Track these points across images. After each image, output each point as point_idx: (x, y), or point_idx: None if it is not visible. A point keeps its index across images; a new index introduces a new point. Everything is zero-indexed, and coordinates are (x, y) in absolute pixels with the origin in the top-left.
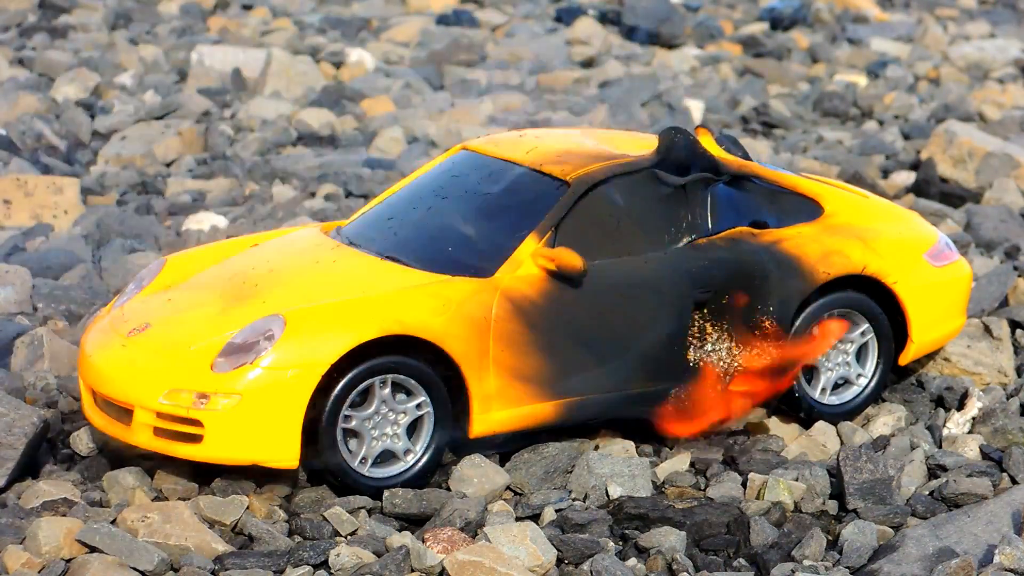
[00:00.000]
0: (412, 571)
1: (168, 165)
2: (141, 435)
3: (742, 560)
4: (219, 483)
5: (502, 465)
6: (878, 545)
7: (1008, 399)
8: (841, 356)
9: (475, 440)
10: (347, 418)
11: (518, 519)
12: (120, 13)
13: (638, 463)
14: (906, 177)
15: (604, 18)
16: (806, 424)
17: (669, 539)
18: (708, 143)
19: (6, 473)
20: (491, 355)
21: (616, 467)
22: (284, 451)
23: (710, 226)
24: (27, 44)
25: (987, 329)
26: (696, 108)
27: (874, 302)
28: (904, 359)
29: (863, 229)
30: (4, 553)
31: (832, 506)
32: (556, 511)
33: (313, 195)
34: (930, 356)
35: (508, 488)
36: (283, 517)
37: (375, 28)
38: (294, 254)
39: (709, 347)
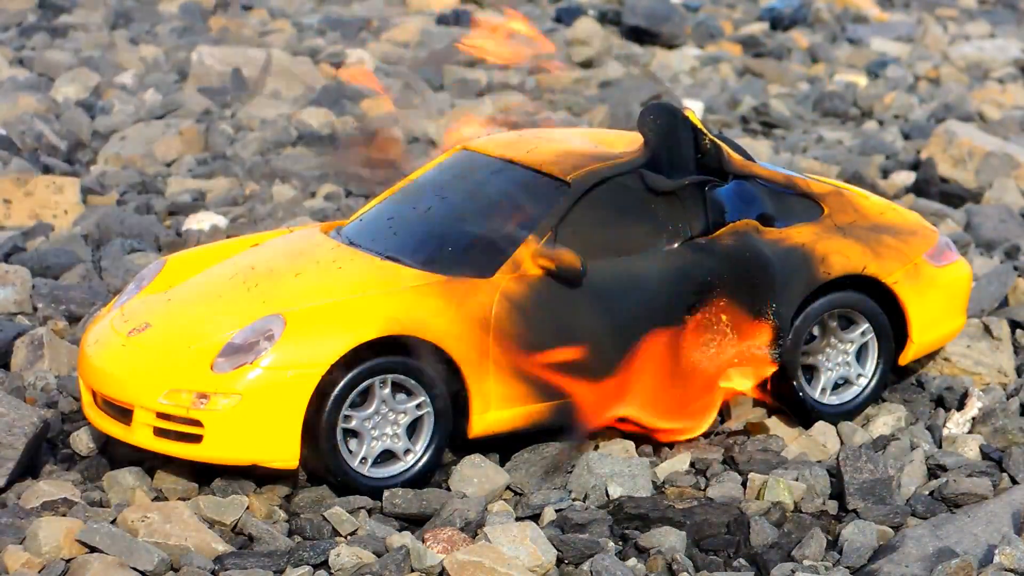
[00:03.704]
0: (412, 571)
1: (168, 165)
2: (141, 435)
3: (742, 560)
4: (219, 483)
5: (502, 465)
6: (878, 545)
7: (1008, 399)
8: (841, 356)
9: (474, 440)
10: (347, 418)
11: (518, 519)
12: (120, 13)
13: (638, 463)
14: (906, 177)
15: (604, 18)
16: (806, 424)
17: (669, 539)
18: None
19: (6, 473)
20: (491, 355)
21: (616, 467)
22: (284, 451)
23: (710, 225)
24: (27, 44)
25: (987, 329)
26: (696, 108)
27: (874, 302)
28: (904, 359)
29: (863, 229)
30: (4, 553)
31: (832, 506)
32: (556, 511)
33: (313, 195)
34: (930, 356)
35: (508, 488)
36: (283, 517)
37: (375, 28)
38: (294, 254)
39: (707, 347)
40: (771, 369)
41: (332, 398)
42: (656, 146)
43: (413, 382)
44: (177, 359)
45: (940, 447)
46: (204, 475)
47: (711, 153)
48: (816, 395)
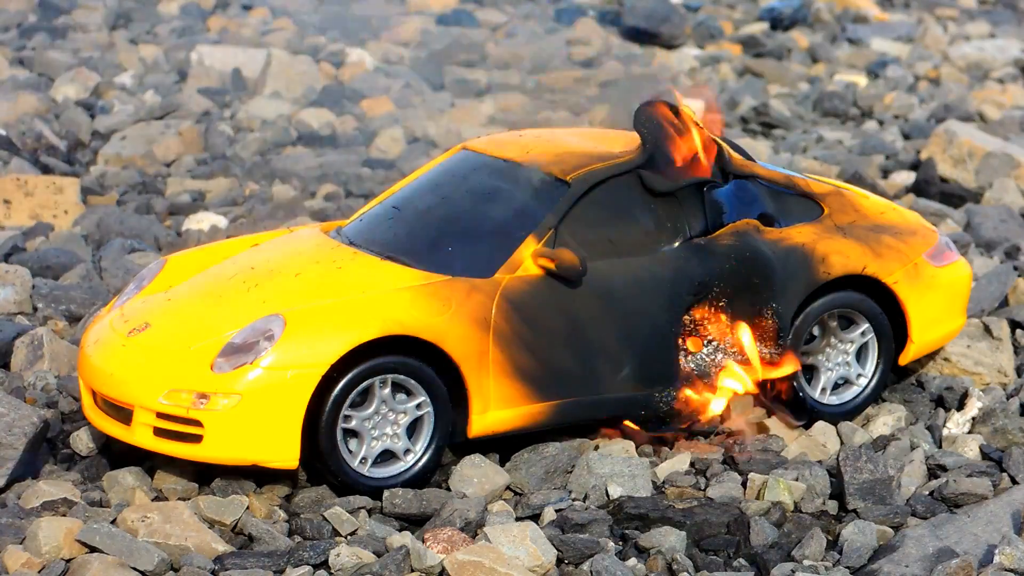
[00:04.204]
0: (412, 571)
1: (168, 165)
2: (141, 435)
3: (742, 560)
4: (219, 483)
5: (502, 465)
6: (878, 545)
7: (1008, 399)
8: (841, 356)
9: (474, 440)
10: (347, 418)
11: (518, 519)
12: (120, 13)
13: (638, 463)
14: (906, 177)
15: (604, 18)
16: (806, 424)
17: (669, 539)
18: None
19: (6, 473)
20: (490, 355)
21: (616, 467)
22: (284, 451)
23: (710, 225)
24: (27, 44)
25: (987, 329)
26: (696, 108)
27: (874, 302)
28: (904, 359)
29: (863, 229)
30: (4, 553)
31: (832, 506)
32: (556, 511)
33: (313, 195)
34: (930, 356)
35: (508, 488)
36: (283, 517)
37: (375, 28)
38: (294, 254)
39: (707, 347)
40: (787, 370)
41: (332, 398)
42: (654, 145)
43: (413, 382)
44: (177, 359)
45: (940, 447)
46: (204, 475)
47: None
48: (816, 395)
